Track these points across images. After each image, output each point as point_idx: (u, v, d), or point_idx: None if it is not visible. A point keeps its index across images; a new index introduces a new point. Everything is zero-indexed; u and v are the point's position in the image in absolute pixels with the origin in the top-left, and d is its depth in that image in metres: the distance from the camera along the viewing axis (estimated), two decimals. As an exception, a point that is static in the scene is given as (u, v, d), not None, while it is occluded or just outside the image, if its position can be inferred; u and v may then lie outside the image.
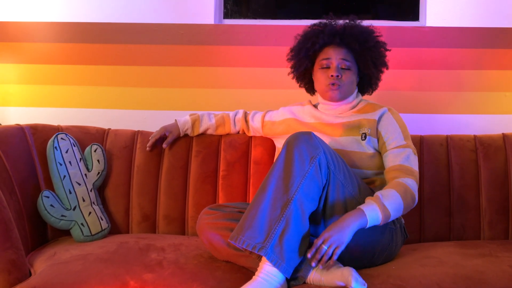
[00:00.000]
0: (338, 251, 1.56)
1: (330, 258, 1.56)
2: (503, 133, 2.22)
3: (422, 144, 2.19)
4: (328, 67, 1.99)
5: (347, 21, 2.03)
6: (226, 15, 2.67)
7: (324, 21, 2.05)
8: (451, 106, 2.52)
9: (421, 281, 1.57)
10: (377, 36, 2.04)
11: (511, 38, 2.49)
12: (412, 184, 1.77)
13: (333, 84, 1.96)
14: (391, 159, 1.85)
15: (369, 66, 2.00)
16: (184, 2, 2.56)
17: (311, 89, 2.14)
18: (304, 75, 2.11)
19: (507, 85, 2.51)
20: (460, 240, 2.08)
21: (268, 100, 2.49)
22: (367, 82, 2.08)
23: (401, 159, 1.84)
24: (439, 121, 2.52)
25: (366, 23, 2.04)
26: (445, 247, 1.90)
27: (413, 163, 1.84)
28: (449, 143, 2.19)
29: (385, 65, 2.06)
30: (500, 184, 2.12)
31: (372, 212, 1.62)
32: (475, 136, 2.22)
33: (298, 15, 2.57)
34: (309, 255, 1.57)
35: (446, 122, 2.51)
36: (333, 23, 2.03)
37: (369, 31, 2.02)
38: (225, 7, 2.67)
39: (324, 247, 1.56)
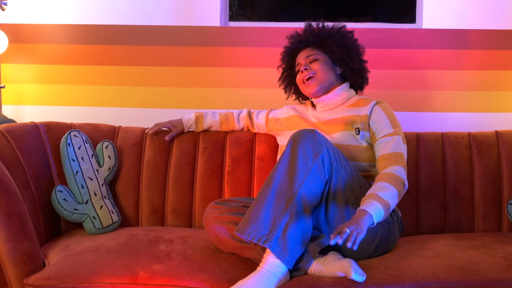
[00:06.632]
0: (359, 237, 1.50)
1: (353, 242, 1.50)
2: (496, 130, 2.24)
3: (418, 141, 2.21)
4: (300, 70, 2.06)
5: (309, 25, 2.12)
6: (232, 18, 2.70)
7: (291, 35, 2.14)
8: (447, 104, 2.54)
9: (418, 272, 1.61)
10: (333, 26, 2.09)
11: (504, 40, 2.50)
12: (401, 170, 1.78)
13: (307, 79, 2.02)
14: (381, 148, 1.87)
15: (333, 50, 2.03)
16: (191, 5, 2.58)
17: (305, 97, 2.18)
18: (295, 89, 2.18)
19: (500, 84, 2.53)
20: (455, 233, 2.09)
21: (271, 99, 2.50)
22: (350, 71, 2.07)
23: (390, 147, 1.86)
24: (435, 119, 2.54)
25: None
26: (440, 239, 1.92)
27: (403, 149, 1.86)
28: (444, 140, 2.21)
29: (354, 46, 2.08)
30: (493, 179, 2.14)
31: (375, 208, 1.61)
32: (469, 133, 2.24)
33: (300, 18, 2.57)
34: (332, 240, 1.50)
35: (442, 120, 2.53)
36: (296, 34, 2.12)
37: (323, 25, 2.09)
38: (230, 10, 2.69)
39: (347, 230, 1.50)
